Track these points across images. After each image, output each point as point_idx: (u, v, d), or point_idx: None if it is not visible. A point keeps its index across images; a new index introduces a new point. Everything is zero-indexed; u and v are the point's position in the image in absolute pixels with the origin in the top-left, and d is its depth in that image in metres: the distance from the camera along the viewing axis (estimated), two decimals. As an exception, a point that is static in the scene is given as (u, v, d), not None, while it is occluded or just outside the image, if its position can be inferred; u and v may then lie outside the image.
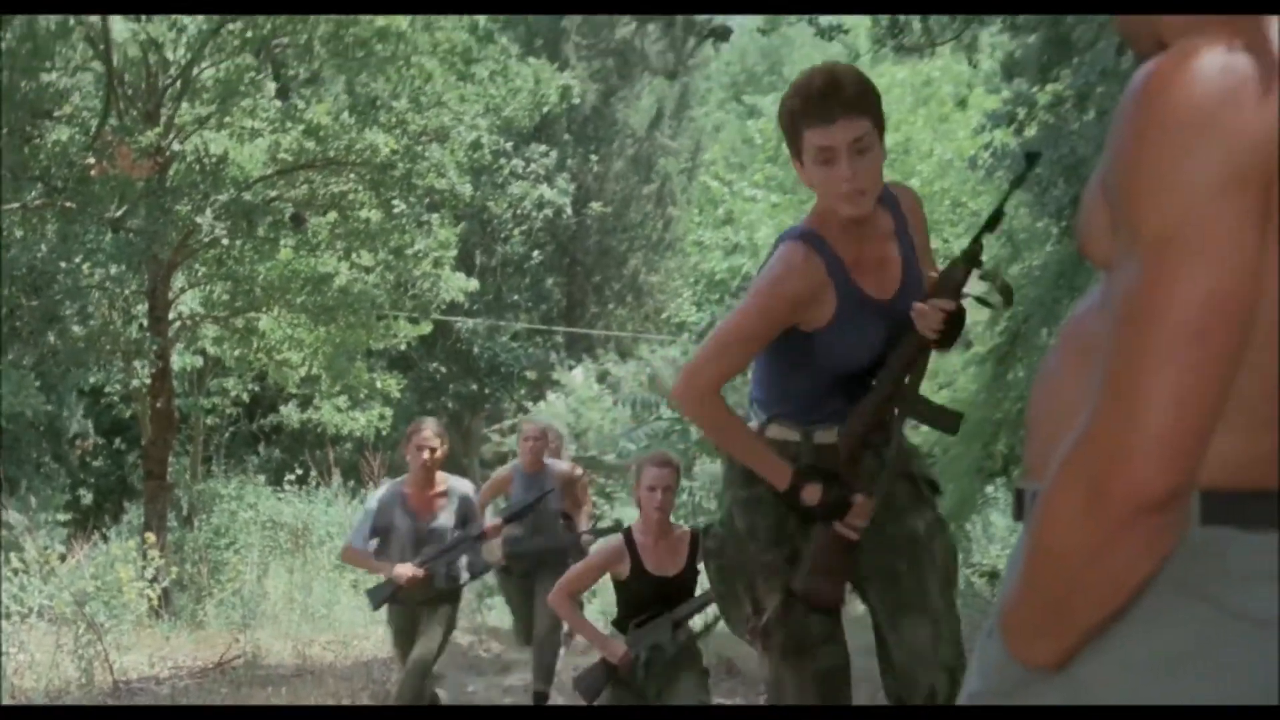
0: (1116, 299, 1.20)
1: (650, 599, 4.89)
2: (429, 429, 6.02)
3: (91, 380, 14.69)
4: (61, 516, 15.35)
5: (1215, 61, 1.16)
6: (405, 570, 5.87)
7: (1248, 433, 1.21)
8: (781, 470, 3.00)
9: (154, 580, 10.43)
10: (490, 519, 6.43)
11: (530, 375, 23.43)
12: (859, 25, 11.53)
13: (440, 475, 6.13)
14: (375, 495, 6.29)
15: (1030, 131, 9.81)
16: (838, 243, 2.97)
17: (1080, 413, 1.20)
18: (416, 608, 6.06)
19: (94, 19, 11.34)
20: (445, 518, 6.03)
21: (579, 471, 7.81)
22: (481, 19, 13.52)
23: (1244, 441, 1.21)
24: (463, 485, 6.21)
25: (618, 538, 5.06)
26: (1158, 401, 1.13)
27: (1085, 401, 1.20)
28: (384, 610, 6.20)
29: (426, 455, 5.95)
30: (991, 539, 13.10)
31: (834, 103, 2.79)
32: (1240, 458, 1.22)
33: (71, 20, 11.26)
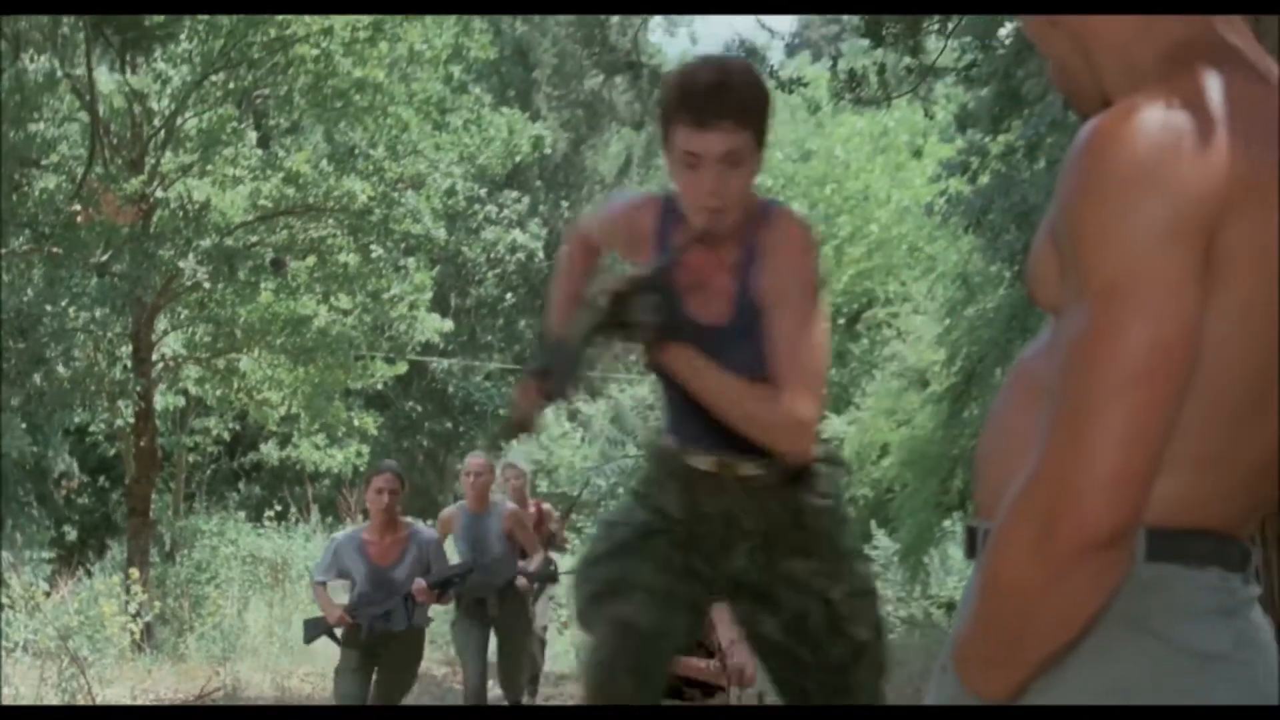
0: (1065, 345, 1.21)
1: None
2: (387, 473, 6.03)
3: (76, 420, 14.75)
4: (46, 553, 15.38)
5: (1156, 118, 1.19)
6: (335, 613, 5.97)
7: (1190, 474, 1.24)
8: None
9: (136, 615, 10.52)
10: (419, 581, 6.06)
11: (503, 414, 23.63)
12: (820, 78, 11.93)
13: (405, 521, 6.13)
14: (338, 535, 6.34)
15: (983, 180, 10.05)
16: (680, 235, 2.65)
17: (1029, 453, 1.21)
18: (363, 656, 6.01)
19: (80, 71, 11.65)
20: (405, 565, 5.99)
21: (536, 509, 7.93)
22: (456, 70, 13.87)
23: (1187, 483, 1.24)
24: (427, 533, 6.23)
25: None
26: (1105, 443, 1.15)
27: (1034, 442, 1.21)
28: None
29: (386, 499, 5.94)
30: (949, 571, 13.39)
31: (712, 108, 2.45)
32: (1183, 498, 1.25)
33: (59, 72, 11.57)
